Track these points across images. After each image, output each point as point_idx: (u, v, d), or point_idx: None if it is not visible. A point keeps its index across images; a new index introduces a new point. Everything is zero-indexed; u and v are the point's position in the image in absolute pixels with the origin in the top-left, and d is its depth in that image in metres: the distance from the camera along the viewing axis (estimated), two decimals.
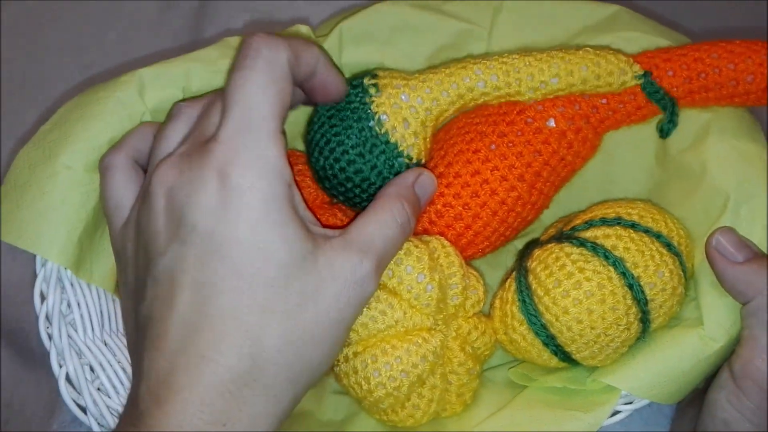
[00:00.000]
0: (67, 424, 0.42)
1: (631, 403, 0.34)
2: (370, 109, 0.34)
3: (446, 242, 0.36)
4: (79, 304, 0.33)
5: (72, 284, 0.33)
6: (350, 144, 0.34)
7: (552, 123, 0.35)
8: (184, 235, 0.27)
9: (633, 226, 0.34)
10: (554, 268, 0.33)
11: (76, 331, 0.33)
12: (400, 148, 0.34)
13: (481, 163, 0.36)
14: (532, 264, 0.35)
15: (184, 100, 0.35)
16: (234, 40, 0.38)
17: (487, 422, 0.35)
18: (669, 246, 0.33)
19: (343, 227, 0.30)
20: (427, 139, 0.35)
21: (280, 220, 0.27)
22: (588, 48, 0.35)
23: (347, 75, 0.41)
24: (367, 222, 0.30)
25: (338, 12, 0.41)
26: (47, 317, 0.32)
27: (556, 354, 0.34)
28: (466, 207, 0.36)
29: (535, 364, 0.37)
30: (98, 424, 0.32)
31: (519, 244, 0.41)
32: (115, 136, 0.34)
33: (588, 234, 0.34)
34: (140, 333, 0.28)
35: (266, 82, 0.28)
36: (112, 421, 0.32)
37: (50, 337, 0.32)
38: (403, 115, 0.34)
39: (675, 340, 0.33)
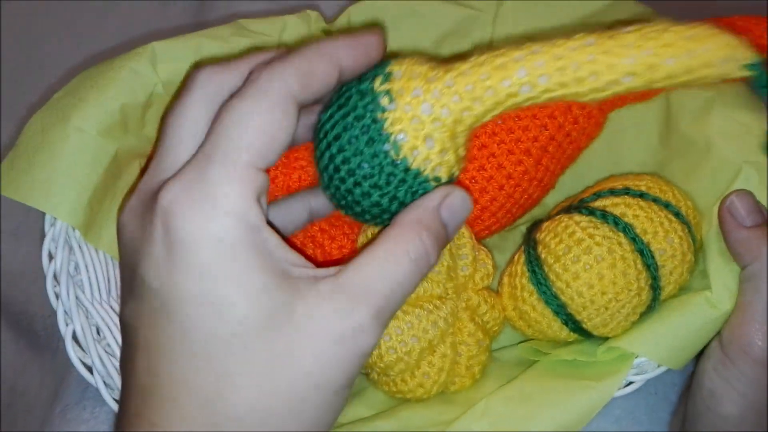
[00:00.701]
0: (70, 408, 0.41)
1: (644, 373, 0.33)
2: (383, 128, 0.26)
3: None
4: (86, 267, 0.33)
5: (80, 246, 0.33)
6: (362, 174, 0.27)
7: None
8: (136, 290, 0.24)
9: (641, 195, 0.34)
10: (564, 236, 0.34)
11: (83, 292, 0.32)
12: (424, 173, 0.27)
13: (488, 137, 0.36)
14: (540, 235, 0.35)
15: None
16: (245, 22, 0.39)
17: (496, 393, 0.34)
18: (678, 214, 0.34)
19: (342, 261, 0.26)
20: (461, 149, 0.28)
21: (239, 271, 0.23)
22: (678, 27, 0.25)
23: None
24: (370, 258, 0.25)
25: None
26: (55, 277, 0.32)
27: (566, 323, 0.34)
28: (473, 181, 0.37)
29: (545, 339, 0.37)
30: (104, 383, 0.31)
31: (525, 229, 0.41)
32: (127, 103, 0.35)
33: (597, 204, 0.34)
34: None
35: (252, 112, 0.24)
36: (118, 381, 0.31)
37: (57, 296, 0.32)
38: (426, 132, 0.26)
39: (683, 304, 0.33)
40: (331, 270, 0.25)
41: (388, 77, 0.26)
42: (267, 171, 0.24)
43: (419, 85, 0.26)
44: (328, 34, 0.41)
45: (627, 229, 0.33)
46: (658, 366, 0.33)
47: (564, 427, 0.32)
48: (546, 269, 0.34)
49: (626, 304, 0.33)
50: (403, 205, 0.27)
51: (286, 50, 0.27)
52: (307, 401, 0.23)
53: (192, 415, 0.23)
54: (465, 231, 0.36)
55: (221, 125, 0.24)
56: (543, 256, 0.34)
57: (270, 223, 0.24)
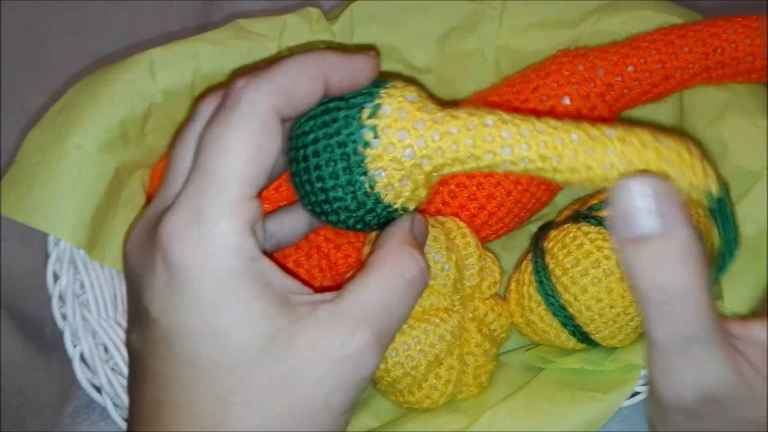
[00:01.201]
0: (80, 410, 0.42)
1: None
2: (362, 162, 0.26)
3: (462, 223, 0.36)
4: (92, 285, 0.33)
5: (85, 265, 0.33)
6: (333, 196, 0.27)
7: (567, 101, 0.35)
8: (140, 319, 0.25)
9: None
10: (572, 248, 0.33)
11: (89, 311, 0.33)
12: (394, 206, 0.27)
13: None
14: (548, 244, 0.35)
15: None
16: (245, 22, 0.38)
17: (503, 403, 0.34)
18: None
19: (340, 286, 0.26)
20: (431, 186, 0.28)
21: (238, 301, 0.23)
22: (649, 138, 0.24)
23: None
24: (366, 282, 0.25)
25: None
26: (60, 297, 0.32)
27: (574, 335, 0.34)
28: (480, 187, 0.36)
29: (552, 346, 0.36)
30: (113, 403, 0.31)
31: (533, 228, 0.41)
32: (126, 117, 0.34)
33: (605, 213, 0.34)
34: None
35: (236, 139, 0.23)
36: (127, 400, 0.32)
37: (64, 317, 0.32)
38: (404, 174, 0.26)
39: None
40: (328, 295, 0.25)
41: (376, 111, 0.26)
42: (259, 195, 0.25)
43: (406, 127, 0.26)
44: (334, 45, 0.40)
45: None
46: None
47: None
48: (554, 281, 0.33)
49: (635, 317, 0.33)
50: (367, 225, 0.28)
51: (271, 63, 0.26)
52: (309, 426, 0.24)
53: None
54: (471, 240, 0.35)
55: (207, 155, 0.24)
56: (551, 267, 0.34)
57: (266, 252, 0.25)
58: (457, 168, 0.26)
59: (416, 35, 0.40)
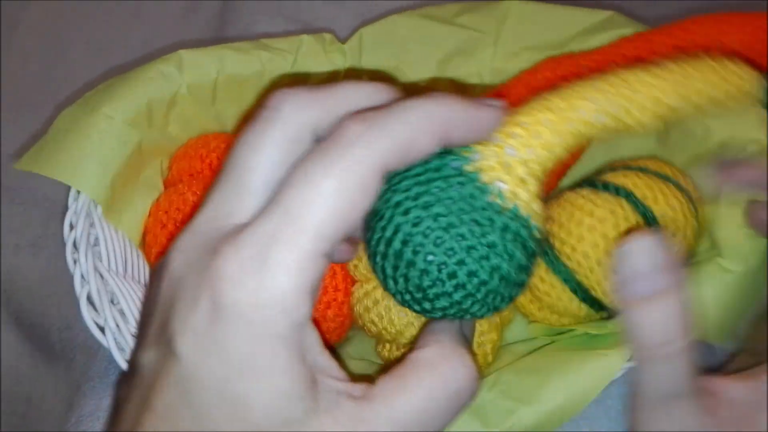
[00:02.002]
0: (84, 418, 0.41)
1: None
2: (479, 179, 0.22)
3: None
4: (105, 241, 0.34)
5: (101, 223, 0.35)
6: (475, 234, 0.22)
7: None
8: (162, 343, 0.22)
9: (640, 169, 0.35)
10: (566, 205, 0.34)
11: (101, 261, 0.33)
12: (532, 222, 0.23)
13: None
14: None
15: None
16: (268, 41, 0.43)
17: (509, 366, 0.34)
18: (677, 185, 0.35)
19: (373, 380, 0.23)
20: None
21: (270, 370, 0.20)
22: (707, 61, 0.26)
23: (365, 77, 0.45)
24: (401, 387, 0.22)
25: (362, 18, 0.45)
26: (75, 245, 0.33)
27: (576, 292, 0.34)
28: None
29: (555, 317, 0.36)
30: (116, 344, 0.31)
31: None
32: (152, 99, 0.38)
33: (598, 178, 0.36)
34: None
35: (332, 190, 0.20)
36: (131, 342, 0.32)
37: (75, 262, 0.33)
38: (519, 175, 0.23)
39: (695, 272, 0.33)
40: (356, 390, 0.22)
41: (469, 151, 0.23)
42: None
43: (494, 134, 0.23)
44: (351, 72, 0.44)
45: (629, 196, 0.33)
46: None
47: (577, 394, 0.31)
48: (552, 238, 0.34)
49: None
50: (518, 270, 0.23)
51: (387, 95, 0.23)
52: None
53: None
54: None
55: (295, 195, 0.21)
56: (548, 227, 0.35)
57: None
58: (557, 146, 0.24)
59: (419, 59, 0.45)
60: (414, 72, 0.45)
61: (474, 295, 0.23)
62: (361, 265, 0.34)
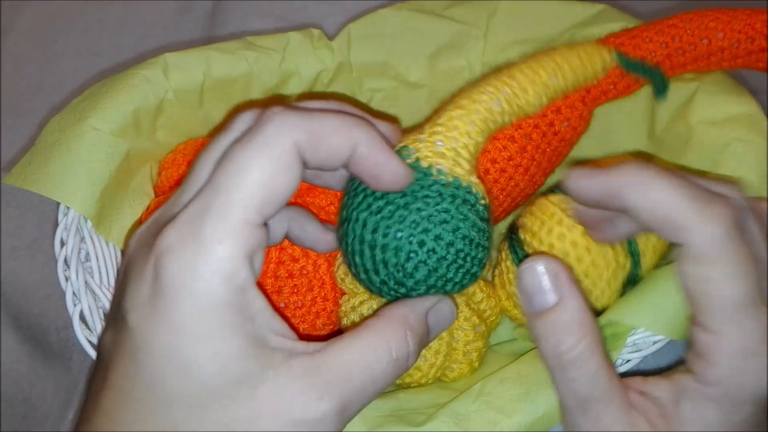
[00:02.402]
0: None
1: (639, 350, 0.33)
2: (419, 165, 0.27)
3: None
4: (96, 256, 0.35)
5: (91, 237, 0.35)
6: (432, 204, 0.26)
7: None
8: (118, 324, 0.24)
9: None
10: (538, 213, 0.35)
11: (92, 277, 0.34)
12: (474, 190, 0.28)
13: None
14: (520, 220, 0.36)
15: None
16: (253, 38, 0.42)
17: (494, 375, 0.34)
18: None
19: (324, 338, 0.25)
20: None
21: (214, 332, 0.22)
22: (564, 45, 0.36)
23: (356, 73, 0.44)
24: (351, 347, 0.24)
25: (352, 16, 0.44)
26: (65, 261, 0.34)
27: None
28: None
29: None
30: None
31: None
32: (139, 107, 0.37)
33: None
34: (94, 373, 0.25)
35: (253, 163, 0.23)
36: None
37: (67, 279, 0.33)
38: (453, 159, 0.28)
39: (670, 272, 0.33)
40: (310, 347, 0.24)
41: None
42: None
43: (419, 135, 0.29)
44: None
45: None
46: (654, 343, 0.33)
47: (557, 405, 0.32)
48: (525, 247, 0.35)
49: (604, 270, 0.33)
50: (478, 231, 0.27)
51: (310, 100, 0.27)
52: None
53: None
54: None
55: (222, 174, 0.23)
56: (522, 236, 0.35)
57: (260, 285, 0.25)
58: (483, 138, 0.30)
59: (409, 53, 0.44)
60: (404, 67, 0.44)
61: (446, 258, 0.27)
62: (348, 279, 0.35)
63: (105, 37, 0.53)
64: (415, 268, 0.27)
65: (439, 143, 0.28)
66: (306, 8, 0.51)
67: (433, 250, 0.26)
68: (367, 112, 0.29)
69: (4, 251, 0.46)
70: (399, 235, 0.26)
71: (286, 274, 0.36)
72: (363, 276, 0.28)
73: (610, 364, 0.26)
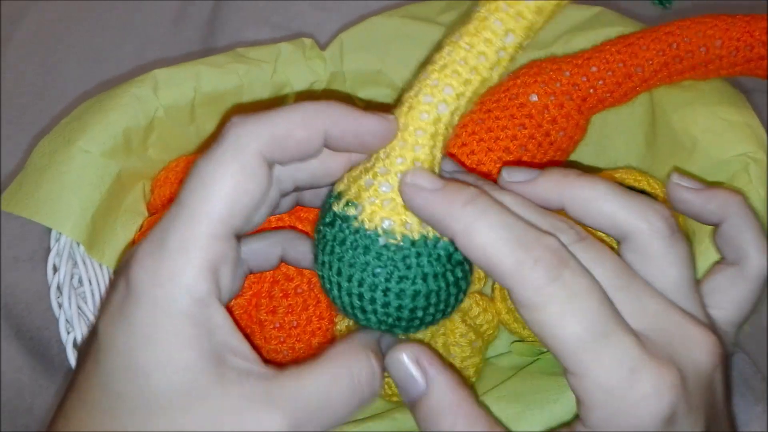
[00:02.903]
0: None
1: None
2: (364, 229, 0.25)
3: None
4: (89, 281, 0.35)
5: (84, 262, 0.35)
6: (383, 276, 0.25)
7: (534, 98, 0.37)
8: (91, 332, 0.24)
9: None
10: None
11: (86, 303, 0.34)
12: (429, 239, 0.25)
13: (467, 136, 0.37)
14: None
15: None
16: (243, 50, 0.42)
17: (489, 394, 0.34)
18: (655, 200, 0.34)
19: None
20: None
21: (170, 342, 0.22)
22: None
23: (350, 82, 0.44)
24: (309, 371, 0.23)
25: (349, 23, 0.44)
26: (58, 287, 0.34)
27: None
28: (472, 153, 0.37)
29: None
30: None
31: None
32: (129, 127, 0.37)
33: None
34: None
35: (214, 176, 0.23)
36: None
37: (60, 306, 0.33)
38: (401, 204, 0.25)
39: None
40: (269, 371, 0.23)
41: (338, 195, 0.26)
42: (238, 237, 0.24)
43: (362, 175, 0.26)
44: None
45: None
46: None
47: (553, 424, 0.32)
48: None
49: None
50: (446, 282, 0.26)
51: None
52: None
53: None
54: None
55: (186, 188, 0.23)
56: None
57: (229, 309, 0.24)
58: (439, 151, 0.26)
59: (402, 61, 0.43)
60: (397, 74, 0.44)
61: (414, 311, 0.26)
62: None
63: (105, 45, 0.52)
64: (381, 312, 0.26)
65: (385, 188, 0.25)
66: (303, 16, 0.51)
67: (392, 306, 0.25)
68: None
69: (6, 262, 0.47)
70: (356, 302, 0.26)
71: (281, 294, 0.36)
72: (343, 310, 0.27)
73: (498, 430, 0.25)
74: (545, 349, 0.36)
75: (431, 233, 0.25)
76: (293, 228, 0.35)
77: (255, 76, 0.41)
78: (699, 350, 0.24)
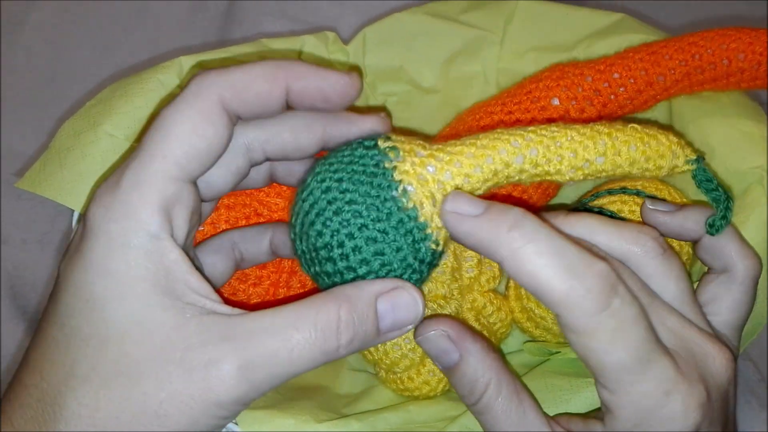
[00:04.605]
0: None
1: None
2: (392, 175, 0.25)
3: None
4: None
5: None
6: (371, 217, 0.25)
7: (556, 101, 0.37)
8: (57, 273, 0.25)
9: (637, 193, 0.35)
10: None
11: None
12: (428, 231, 0.25)
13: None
14: None
15: None
16: (267, 41, 0.42)
17: None
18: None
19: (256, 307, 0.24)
20: None
21: (122, 275, 0.22)
22: (636, 126, 0.28)
23: (370, 77, 0.44)
24: (275, 312, 0.23)
25: (366, 17, 0.44)
26: None
27: None
28: None
29: (553, 338, 0.37)
30: None
31: None
32: (155, 112, 0.37)
33: (595, 203, 0.36)
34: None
35: (172, 120, 0.24)
36: None
37: None
38: (431, 190, 0.26)
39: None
40: (232, 311, 0.23)
41: (389, 138, 0.27)
42: (195, 184, 0.25)
43: (422, 150, 0.26)
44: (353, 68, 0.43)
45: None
46: None
47: None
48: None
49: None
50: (403, 261, 0.25)
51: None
52: (135, 426, 0.22)
53: (31, 406, 0.23)
54: None
55: (149, 131, 0.24)
56: None
57: (188, 251, 0.24)
58: (475, 178, 0.26)
59: (423, 58, 0.44)
60: (418, 72, 0.44)
61: (355, 270, 0.25)
62: None
63: (118, 31, 0.52)
64: (324, 260, 0.26)
65: (430, 169, 0.26)
66: (320, 9, 0.51)
67: (346, 257, 0.25)
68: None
69: (15, 244, 0.47)
70: (327, 223, 0.25)
71: (299, 285, 0.36)
72: (291, 235, 0.27)
73: (528, 401, 0.27)
74: (556, 350, 0.37)
75: (433, 226, 0.26)
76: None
77: None
78: (717, 365, 0.25)
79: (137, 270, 0.22)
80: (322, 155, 0.28)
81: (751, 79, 0.36)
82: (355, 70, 0.42)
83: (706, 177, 0.29)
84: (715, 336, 0.27)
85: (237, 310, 0.23)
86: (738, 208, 0.36)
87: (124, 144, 0.36)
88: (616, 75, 0.37)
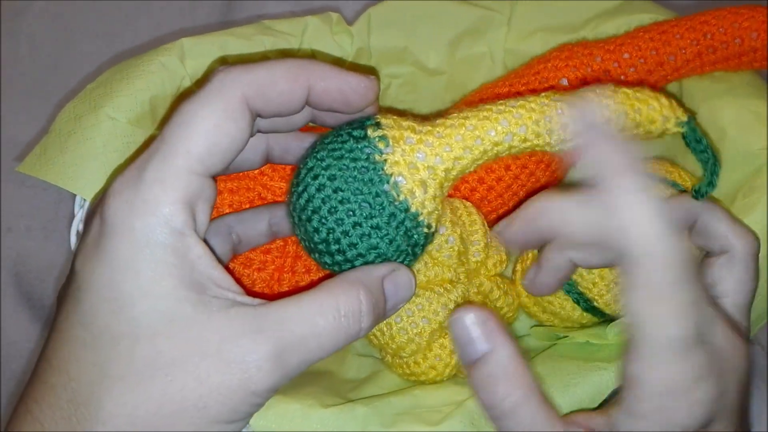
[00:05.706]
0: None
1: None
2: (382, 169, 0.26)
3: (468, 203, 0.37)
4: None
5: None
6: (363, 215, 0.26)
7: (565, 82, 0.37)
8: (70, 270, 0.24)
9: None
10: None
11: None
12: (420, 218, 0.27)
13: None
14: None
15: None
16: (270, 22, 0.41)
17: None
18: (683, 192, 0.34)
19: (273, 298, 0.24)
20: (442, 203, 0.29)
21: (150, 271, 0.22)
22: (627, 91, 0.28)
23: (375, 59, 0.43)
24: (298, 300, 0.24)
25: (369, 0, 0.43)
26: None
27: (578, 302, 0.35)
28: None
29: (560, 323, 0.37)
30: None
31: None
32: (156, 95, 0.37)
33: None
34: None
35: (196, 115, 0.24)
36: None
37: None
38: (421, 177, 0.27)
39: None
40: (255, 301, 0.24)
41: (378, 125, 0.27)
42: (214, 179, 0.24)
43: (410, 135, 0.27)
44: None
45: None
46: None
47: (574, 409, 0.32)
48: None
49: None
50: (398, 250, 0.27)
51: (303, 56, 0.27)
52: (176, 425, 0.22)
53: (61, 407, 0.22)
54: (477, 218, 0.36)
55: (170, 125, 0.24)
56: None
57: (206, 242, 0.24)
58: (466, 160, 0.27)
59: (429, 39, 0.43)
60: (424, 53, 0.43)
61: (352, 262, 0.27)
62: None
63: (121, 18, 0.51)
64: (322, 253, 0.27)
65: (420, 156, 0.27)
66: None
67: (343, 252, 0.27)
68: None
69: (19, 231, 0.46)
70: (323, 221, 0.27)
71: (304, 269, 0.36)
72: (290, 220, 0.28)
73: (548, 406, 0.25)
74: (563, 335, 0.36)
75: (425, 212, 0.27)
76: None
77: (281, 48, 0.41)
78: (739, 357, 0.25)
79: (164, 267, 0.22)
80: (319, 131, 0.28)
81: (764, 59, 0.36)
82: (373, 72, 0.42)
83: (695, 137, 0.29)
84: (737, 327, 0.26)
85: (258, 300, 0.24)
86: (749, 189, 0.36)
87: (126, 127, 0.35)
88: (626, 55, 0.37)
